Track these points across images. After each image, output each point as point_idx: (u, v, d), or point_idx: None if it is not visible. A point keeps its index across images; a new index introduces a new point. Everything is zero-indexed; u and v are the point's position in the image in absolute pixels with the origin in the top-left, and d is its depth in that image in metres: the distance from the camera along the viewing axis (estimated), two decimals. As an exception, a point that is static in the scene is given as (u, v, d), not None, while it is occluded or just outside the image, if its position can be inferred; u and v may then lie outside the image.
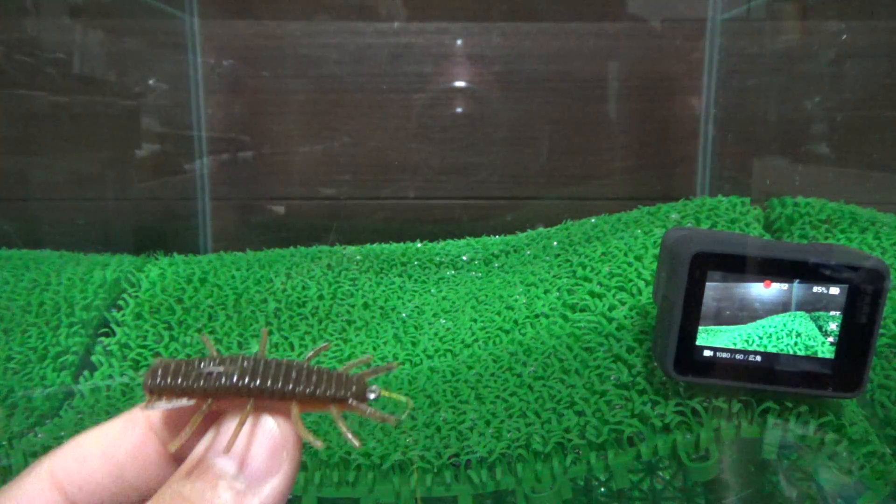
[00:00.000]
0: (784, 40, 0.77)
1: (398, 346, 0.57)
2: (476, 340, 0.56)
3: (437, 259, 0.71)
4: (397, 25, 0.80)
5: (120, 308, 0.62)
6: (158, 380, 0.21)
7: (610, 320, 0.53)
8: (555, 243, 0.68)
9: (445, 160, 0.83)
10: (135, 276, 0.65)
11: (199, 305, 0.62)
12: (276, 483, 0.20)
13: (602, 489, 0.43)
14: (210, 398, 0.21)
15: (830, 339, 0.42)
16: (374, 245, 0.76)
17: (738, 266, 0.42)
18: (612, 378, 0.47)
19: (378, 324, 0.62)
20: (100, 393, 0.55)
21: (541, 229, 0.75)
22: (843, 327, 0.41)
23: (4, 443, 0.48)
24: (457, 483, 0.42)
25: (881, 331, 0.44)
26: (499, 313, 0.59)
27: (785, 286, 0.42)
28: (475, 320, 0.58)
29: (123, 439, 0.21)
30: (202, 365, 0.21)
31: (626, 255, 0.59)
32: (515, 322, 0.56)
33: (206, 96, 0.81)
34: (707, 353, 0.43)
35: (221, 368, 0.21)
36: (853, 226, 0.62)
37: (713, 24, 0.79)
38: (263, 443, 0.20)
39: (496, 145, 0.83)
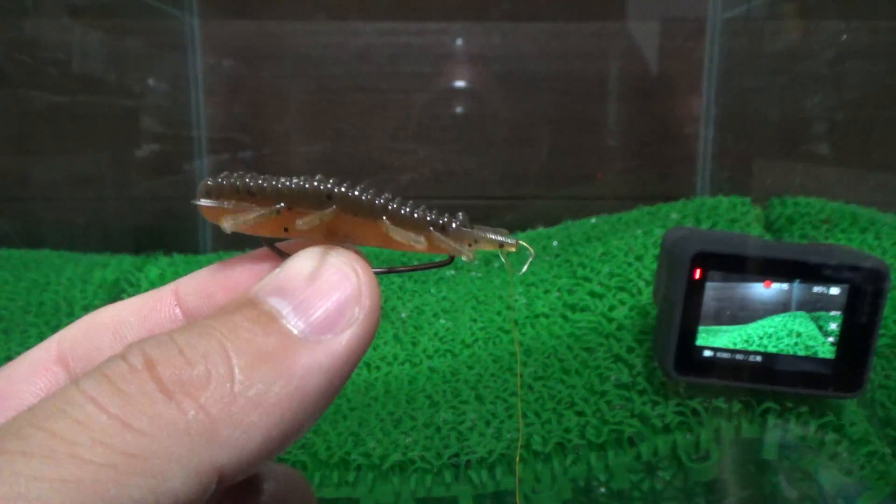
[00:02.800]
0: (784, 40, 0.77)
1: (398, 346, 0.57)
2: (476, 340, 0.56)
3: (437, 259, 0.71)
4: (397, 25, 0.80)
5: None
6: (222, 179, 0.17)
7: (610, 320, 0.53)
8: (555, 243, 0.68)
9: (445, 160, 0.83)
10: (134, 276, 0.65)
11: (199, 305, 0.62)
12: (340, 343, 0.15)
13: (602, 489, 0.43)
14: (281, 202, 0.16)
15: (831, 339, 0.42)
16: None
17: (739, 266, 0.42)
18: (612, 378, 0.47)
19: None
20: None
21: (541, 229, 0.75)
22: (844, 327, 0.41)
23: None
24: (457, 483, 0.42)
25: (881, 331, 0.44)
26: (499, 313, 0.59)
27: (785, 286, 0.42)
28: (475, 320, 0.58)
29: (142, 317, 0.18)
30: (265, 177, 0.17)
31: (626, 255, 0.59)
32: (516, 322, 0.56)
33: (206, 96, 0.81)
34: (707, 353, 0.43)
35: (298, 178, 0.17)
36: (853, 226, 0.62)
37: (713, 24, 0.79)
38: (332, 284, 0.15)
39: (496, 145, 0.83)
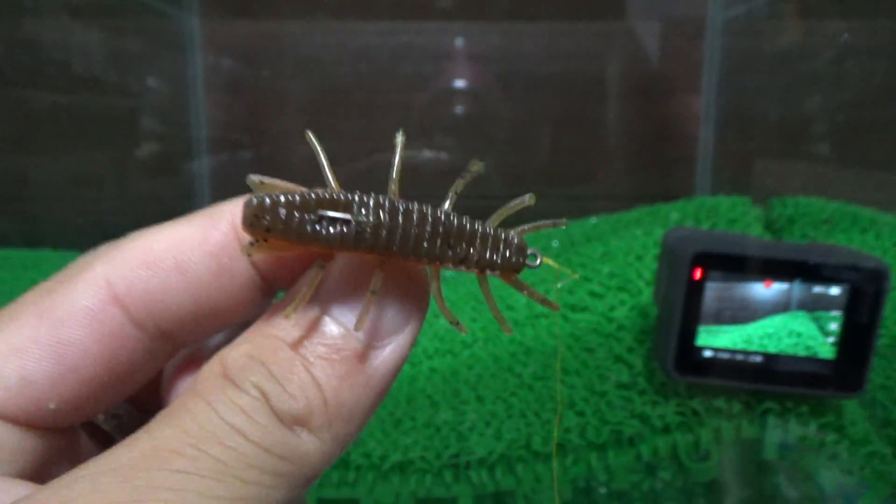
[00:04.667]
0: (785, 40, 0.77)
1: (398, 346, 0.57)
2: (476, 340, 0.55)
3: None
4: (397, 25, 0.80)
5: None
6: (265, 218, 0.15)
7: (610, 320, 0.53)
8: (555, 243, 0.68)
9: (445, 160, 0.83)
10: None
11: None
12: (400, 343, 0.16)
13: (602, 490, 0.43)
14: (329, 249, 0.16)
15: (831, 339, 0.42)
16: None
17: (739, 266, 0.42)
18: (612, 378, 0.47)
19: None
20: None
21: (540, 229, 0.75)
22: (844, 327, 0.41)
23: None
24: (457, 483, 0.42)
25: (881, 331, 0.44)
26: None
27: (785, 286, 0.42)
28: (475, 320, 0.58)
29: (203, 246, 0.17)
30: (320, 201, 0.16)
31: (626, 255, 0.59)
32: (516, 322, 0.56)
33: (206, 96, 0.81)
34: (707, 353, 0.43)
35: (348, 216, 0.16)
36: (854, 226, 0.62)
37: (713, 24, 0.79)
38: (387, 299, 0.17)
39: (496, 145, 0.83)
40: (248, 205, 0.16)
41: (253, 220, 0.16)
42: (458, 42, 0.81)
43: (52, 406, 0.16)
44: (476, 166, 0.19)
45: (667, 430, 0.43)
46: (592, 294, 0.56)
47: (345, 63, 0.81)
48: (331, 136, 0.83)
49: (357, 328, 0.16)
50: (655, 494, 0.43)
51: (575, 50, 0.80)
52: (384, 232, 0.16)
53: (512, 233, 0.18)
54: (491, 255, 0.17)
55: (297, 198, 0.16)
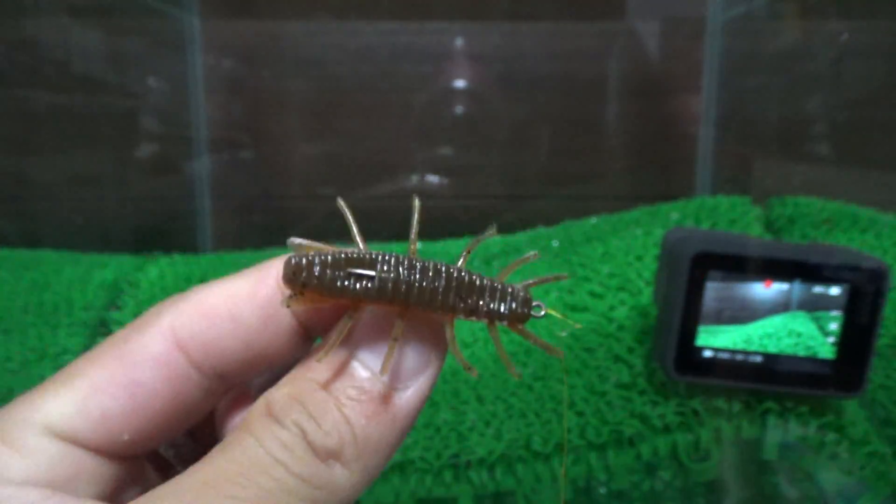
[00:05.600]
0: (784, 40, 0.77)
1: (398, 346, 0.57)
2: (476, 340, 0.55)
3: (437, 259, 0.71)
4: (397, 25, 0.80)
5: (119, 308, 0.62)
6: (302, 275, 0.18)
7: (610, 320, 0.53)
8: (555, 243, 0.68)
9: (446, 160, 0.83)
10: (134, 277, 0.65)
11: (199, 305, 0.62)
12: (421, 384, 0.19)
13: (602, 490, 0.43)
14: (356, 301, 0.19)
15: (831, 339, 0.42)
16: (374, 245, 0.76)
17: (739, 266, 0.42)
18: (612, 378, 0.47)
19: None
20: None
21: (541, 229, 0.75)
22: (844, 327, 0.41)
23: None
24: (457, 483, 0.42)
25: (881, 331, 0.44)
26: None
27: (785, 286, 0.42)
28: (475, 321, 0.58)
29: (253, 299, 0.19)
30: (349, 261, 0.19)
31: (626, 255, 0.59)
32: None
33: (206, 96, 0.81)
34: (707, 353, 0.43)
35: (372, 272, 0.19)
36: (854, 226, 0.62)
37: (713, 24, 0.79)
38: (410, 346, 0.19)
39: (496, 145, 0.83)
40: (287, 264, 0.19)
41: (291, 277, 0.19)
42: (458, 42, 0.81)
43: (125, 438, 0.19)
44: (490, 231, 0.21)
45: (667, 430, 0.43)
46: (592, 294, 0.56)
47: (345, 63, 0.81)
48: (331, 136, 0.83)
49: (382, 372, 0.18)
50: (655, 494, 0.43)
51: (575, 50, 0.80)
52: (403, 286, 0.19)
53: (518, 287, 0.20)
54: (498, 307, 0.19)
55: (329, 258, 0.19)
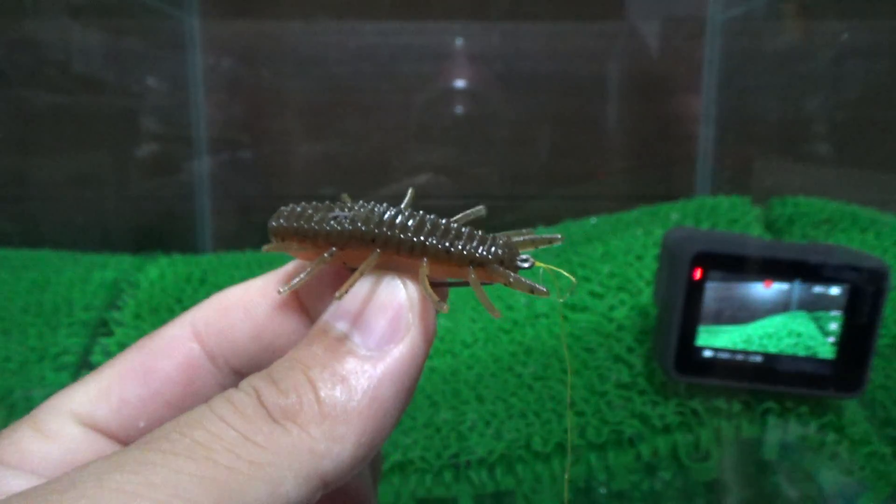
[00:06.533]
0: (784, 40, 0.77)
1: (398, 346, 0.57)
2: (476, 340, 0.55)
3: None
4: (397, 25, 0.80)
5: (119, 308, 0.62)
6: (282, 220, 0.19)
7: (610, 320, 0.53)
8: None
9: (445, 160, 0.83)
10: (134, 276, 0.65)
11: (199, 305, 0.62)
12: (401, 351, 0.17)
13: (602, 490, 0.43)
14: (332, 245, 0.18)
15: (831, 339, 0.42)
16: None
17: (739, 266, 0.42)
18: (612, 378, 0.47)
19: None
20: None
21: (541, 229, 0.75)
22: (844, 327, 0.41)
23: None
24: (457, 483, 0.42)
25: (881, 331, 0.44)
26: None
27: (785, 286, 0.42)
28: (475, 320, 0.58)
29: (265, 297, 0.20)
30: (328, 207, 0.19)
31: (626, 255, 0.59)
32: (515, 322, 0.56)
33: (206, 96, 0.81)
34: (707, 353, 0.43)
35: (349, 213, 0.18)
36: (854, 226, 0.62)
37: (713, 24, 0.79)
38: (384, 303, 0.18)
39: (496, 145, 0.83)
40: (274, 215, 0.19)
41: (274, 221, 0.19)
42: (458, 42, 0.81)
43: (141, 424, 0.19)
44: (479, 209, 0.21)
45: (667, 430, 0.43)
46: (592, 294, 0.56)
47: (345, 63, 0.81)
48: (331, 136, 0.83)
49: (338, 296, 0.17)
50: (655, 494, 0.43)
51: (575, 50, 0.80)
52: (379, 225, 0.18)
53: (501, 235, 0.19)
54: (477, 249, 0.18)
55: (307, 204, 0.19)
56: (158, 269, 0.66)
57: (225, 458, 0.15)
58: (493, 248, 0.18)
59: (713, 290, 0.42)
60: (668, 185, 0.82)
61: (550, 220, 0.77)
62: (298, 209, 0.19)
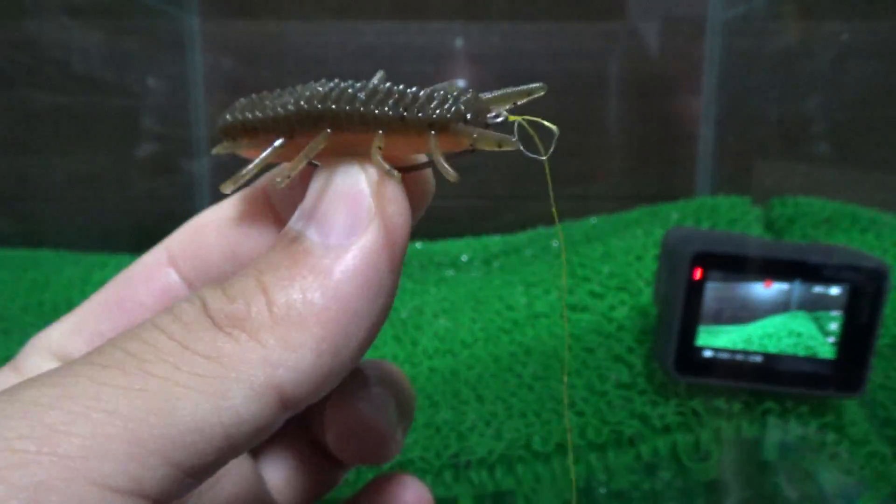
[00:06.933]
0: (784, 40, 0.77)
1: (398, 346, 0.57)
2: (476, 341, 0.55)
3: (437, 259, 0.71)
4: (397, 25, 0.80)
5: (120, 308, 0.62)
6: (228, 115, 0.17)
7: (610, 320, 0.53)
8: (555, 243, 0.68)
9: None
10: (134, 276, 0.65)
11: (199, 305, 0.62)
12: (364, 243, 0.15)
13: (602, 490, 0.43)
14: (281, 136, 0.16)
15: (831, 339, 0.42)
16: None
17: (739, 266, 0.42)
18: (612, 378, 0.47)
19: (378, 324, 0.62)
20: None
21: (541, 229, 0.75)
22: (844, 327, 0.41)
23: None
24: (457, 483, 0.42)
25: (881, 331, 0.44)
26: (499, 313, 0.59)
27: (785, 286, 0.42)
28: (475, 320, 0.58)
29: (238, 215, 0.19)
30: (278, 94, 0.17)
31: (626, 255, 0.59)
32: (515, 322, 0.56)
33: (206, 96, 0.81)
34: (707, 353, 0.43)
35: (294, 91, 0.16)
36: (854, 226, 0.62)
37: (713, 24, 0.79)
38: (340, 192, 0.16)
39: (496, 145, 0.83)
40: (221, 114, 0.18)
41: (221, 120, 0.18)
42: (458, 42, 0.81)
43: None
44: (538, 90, 0.17)
45: (667, 430, 0.43)
46: (592, 294, 0.56)
47: (345, 63, 0.81)
48: (331, 136, 0.83)
49: (280, 179, 0.15)
50: (655, 494, 0.43)
51: (575, 50, 0.80)
52: (324, 100, 0.16)
53: (464, 90, 0.17)
54: (439, 108, 0.16)
55: (263, 93, 0.17)
56: (158, 269, 0.66)
57: (159, 368, 0.13)
58: (453, 107, 0.16)
59: (713, 290, 0.42)
60: (668, 185, 0.82)
61: (550, 220, 0.77)
62: (251, 99, 0.17)
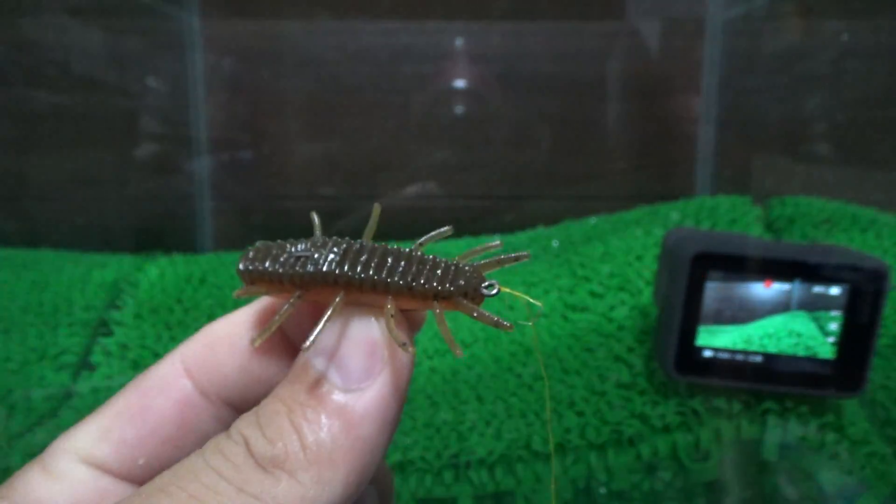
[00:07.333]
0: (784, 40, 0.77)
1: (398, 346, 0.57)
2: (476, 340, 0.55)
3: (437, 259, 0.71)
4: (397, 25, 0.80)
5: (119, 308, 0.62)
6: (248, 265, 0.19)
7: (610, 320, 0.53)
8: (555, 243, 0.68)
9: (445, 160, 0.83)
10: (134, 277, 0.65)
11: (199, 305, 0.62)
12: (379, 387, 0.18)
13: (602, 490, 0.43)
14: (298, 289, 0.19)
15: (831, 339, 0.42)
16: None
17: (739, 266, 0.42)
18: (612, 378, 0.47)
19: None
20: (99, 393, 0.55)
21: (541, 229, 0.75)
22: (844, 327, 0.41)
23: (3, 443, 0.48)
24: (457, 483, 0.42)
25: (881, 331, 0.44)
26: (499, 313, 0.59)
27: (785, 286, 0.42)
28: (475, 321, 0.58)
29: (248, 326, 0.21)
30: (294, 248, 0.19)
31: (626, 255, 0.59)
32: (515, 322, 0.56)
33: (206, 96, 0.81)
34: (707, 353, 0.43)
35: (310, 253, 0.18)
36: (854, 226, 0.62)
37: (713, 24, 0.79)
38: (357, 340, 0.18)
39: (496, 145, 0.83)
40: (241, 258, 0.19)
41: (241, 265, 0.19)
42: (458, 42, 0.81)
43: (141, 462, 0.19)
44: (446, 229, 0.21)
45: (667, 430, 0.43)
46: (592, 294, 0.56)
47: (345, 63, 0.81)
48: (331, 137, 0.83)
49: (305, 348, 0.17)
50: (655, 494, 0.43)
51: (575, 50, 0.80)
52: (340, 266, 0.18)
53: (466, 263, 0.19)
54: (443, 282, 0.18)
55: (272, 244, 0.19)
56: (158, 269, 0.66)
57: None
58: (456, 282, 0.19)
59: (713, 290, 0.42)
60: (668, 185, 0.82)
61: (550, 220, 0.77)
62: (263, 249, 0.19)
